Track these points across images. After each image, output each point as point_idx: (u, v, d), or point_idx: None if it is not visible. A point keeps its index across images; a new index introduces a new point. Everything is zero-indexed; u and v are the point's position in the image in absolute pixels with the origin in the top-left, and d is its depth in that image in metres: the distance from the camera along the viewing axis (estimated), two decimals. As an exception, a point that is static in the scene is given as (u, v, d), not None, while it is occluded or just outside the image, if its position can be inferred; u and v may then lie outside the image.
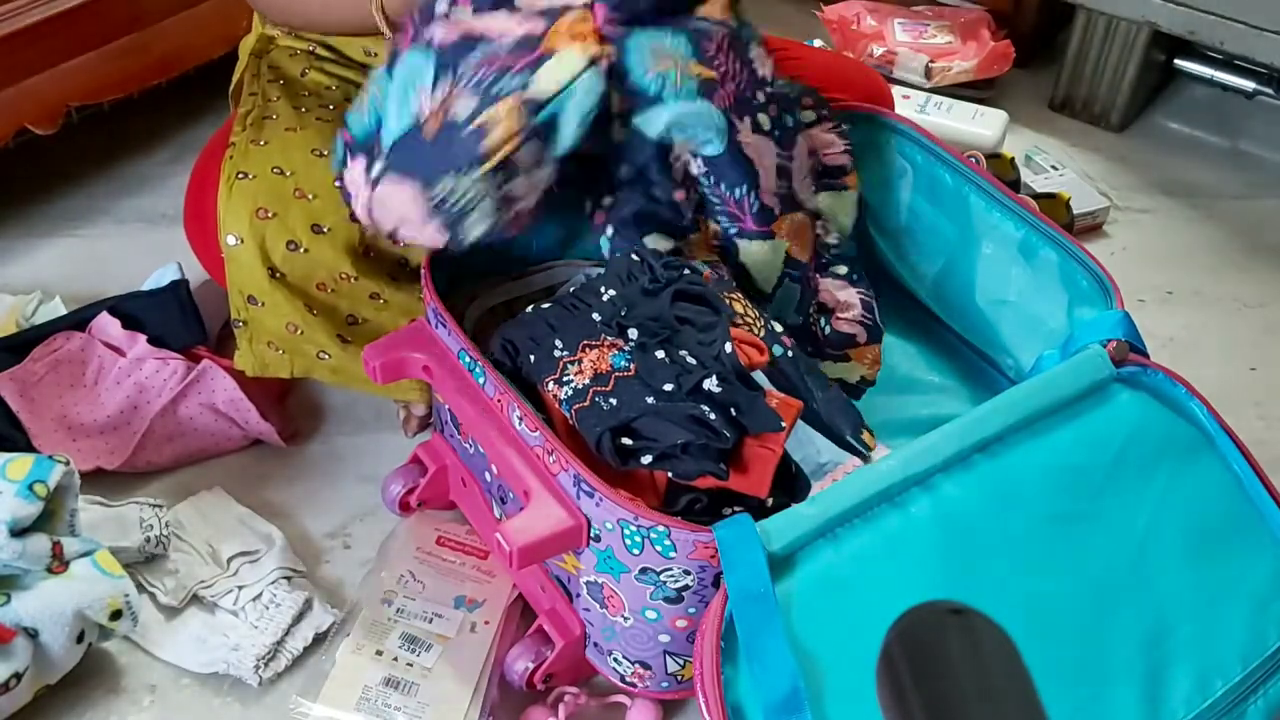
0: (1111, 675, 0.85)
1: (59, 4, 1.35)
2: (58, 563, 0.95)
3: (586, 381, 0.89)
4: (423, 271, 0.98)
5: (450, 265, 1.03)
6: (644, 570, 0.85)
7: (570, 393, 0.89)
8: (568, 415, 0.89)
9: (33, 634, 0.93)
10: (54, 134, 1.37)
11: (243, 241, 1.05)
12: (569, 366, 0.91)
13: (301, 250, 1.06)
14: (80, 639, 0.96)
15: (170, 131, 1.59)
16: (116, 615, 0.96)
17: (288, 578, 1.05)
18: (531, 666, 0.96)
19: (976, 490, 0.87)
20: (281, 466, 1.18)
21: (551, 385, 0.91)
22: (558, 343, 0.93)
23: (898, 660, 0.43)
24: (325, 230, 1.06)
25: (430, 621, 1.01)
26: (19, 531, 0.93)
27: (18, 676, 0.92)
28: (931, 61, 1.71)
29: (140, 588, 1.03)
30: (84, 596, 0.94)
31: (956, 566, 0.85)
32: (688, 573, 0.84)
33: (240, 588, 1.04)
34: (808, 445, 1.01)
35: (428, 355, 0.98)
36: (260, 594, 1.04)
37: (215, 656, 1.00)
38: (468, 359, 0.95)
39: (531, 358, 0.93)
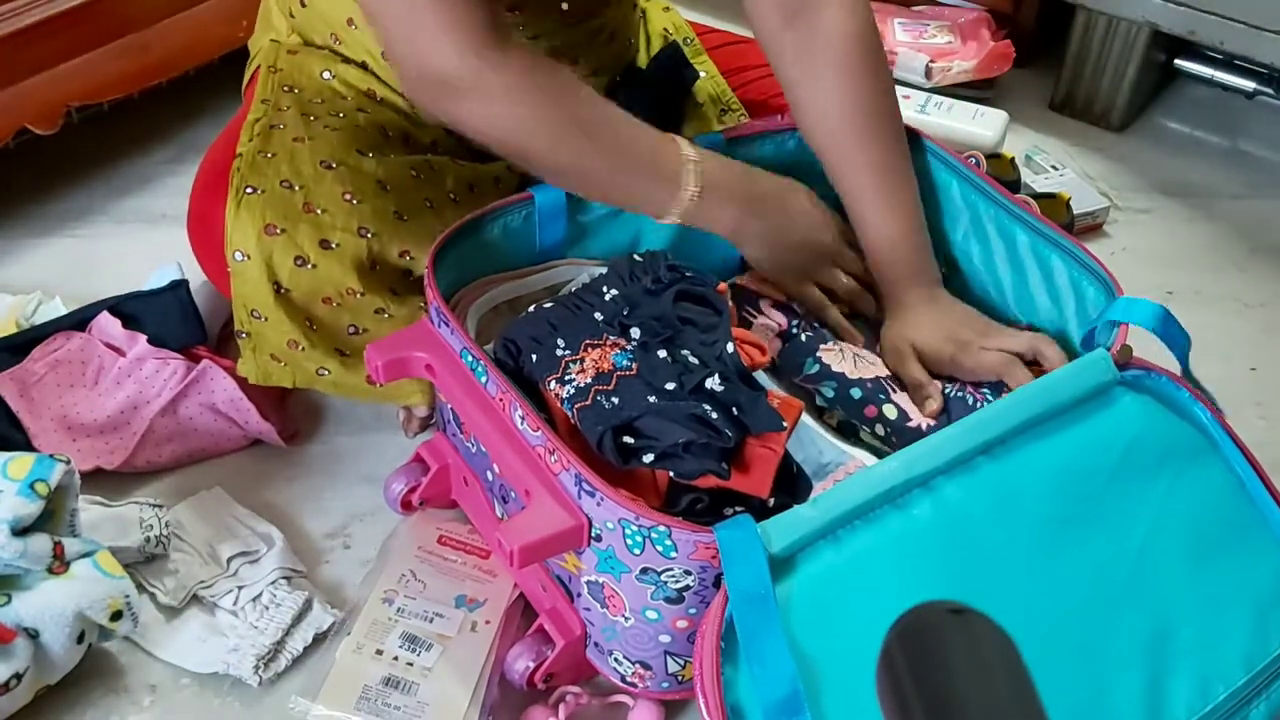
0: (1113, 678, 0.85)
1: (59, 4, 1.35)
2: (59, 563, 0.95)
3: (588, 380, 0.89)
4: (426, 270, 0.98)
5: (453, 264, 1.03)
6: (645, 570, 0.85)
7: (572, 391, 0.89)
8: (569, 414, 0.89)
9: (33, 634, 0.93)
10: (54, 134, 1.37)
11: (250, 258, 1.04)
12: (571, 365, 0.91)
13: (309, 265, 1.05)
14: (81, 639, 0.96)
15: (170, 132, 1.59)
16: (117, 616, 0.96)
17: (287, 578, 1.05)
18: (532, 666, 0.95)
19: (978, 492, 0.86)
20: (282, 467, 1.18)
21: (553, 384, 0.91)
22: (560, 342, 0.93)
23: (898, 661, 0.42)
24: (334, 246, 1.05)
25: (431, 621, 1.01)
26: (20, 531, 0.93)
27: (18, 677, 0.92)
28: (931, 61, 1.71)
29: (140, 588, 1.03)
30: (84, 597, 0.94)
31: (958, 568, 0.84)
32: (689, 573, 0.84)
33: (240, 588, 1.04)
34: (810, 446, 1.01)
35: (430, 354, 0.98)
36: (260, 594, 1.04)
37: (215, 657, 1.00)
38: (470, 358, 0.95)
39: (534, 357, 0.93)
